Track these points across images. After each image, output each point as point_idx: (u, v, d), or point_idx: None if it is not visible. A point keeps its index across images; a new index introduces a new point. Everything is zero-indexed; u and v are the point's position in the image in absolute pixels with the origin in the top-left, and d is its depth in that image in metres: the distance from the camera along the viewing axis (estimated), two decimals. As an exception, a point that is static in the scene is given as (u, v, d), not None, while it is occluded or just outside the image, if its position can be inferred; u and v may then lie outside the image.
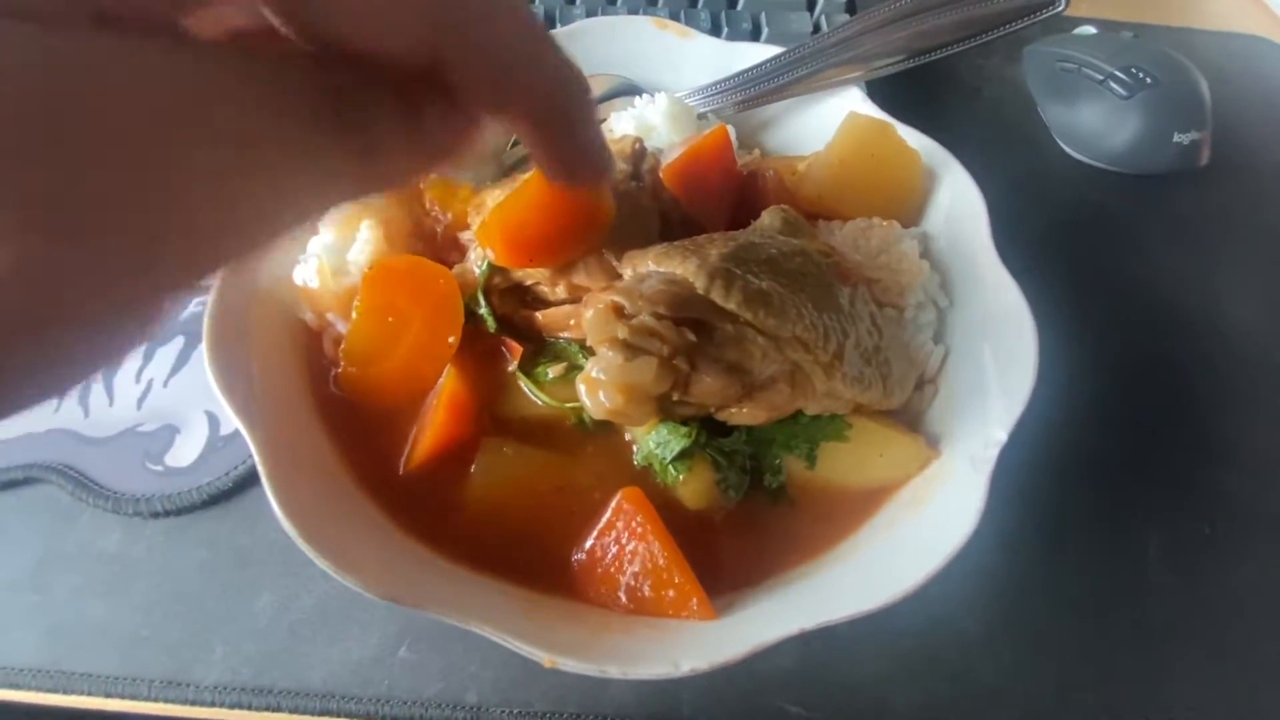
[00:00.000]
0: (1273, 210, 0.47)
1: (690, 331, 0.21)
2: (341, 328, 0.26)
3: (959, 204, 0.29)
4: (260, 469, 0.20)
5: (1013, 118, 0.51)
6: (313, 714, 0.29)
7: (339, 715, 0.29)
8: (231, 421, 0.23)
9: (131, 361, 0.36)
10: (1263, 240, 0.45)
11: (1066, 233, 0.44)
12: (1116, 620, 0.30)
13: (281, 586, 0.31)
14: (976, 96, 0.51)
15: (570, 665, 0.18)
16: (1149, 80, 0.45)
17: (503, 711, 0.27)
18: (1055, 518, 0.31)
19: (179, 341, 0.36)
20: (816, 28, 0.46)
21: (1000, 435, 0.22)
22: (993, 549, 0.26)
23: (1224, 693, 0.29)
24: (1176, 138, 0.46)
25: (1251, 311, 0.41)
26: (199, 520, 0.32)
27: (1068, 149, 0.48)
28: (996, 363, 0.25)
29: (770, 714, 0.27)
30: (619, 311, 0.22)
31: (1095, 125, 0.47)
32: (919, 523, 0.22)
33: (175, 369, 0.36)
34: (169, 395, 0.35)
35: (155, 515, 0.31)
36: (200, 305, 0.38)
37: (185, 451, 0.33)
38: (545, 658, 0.18)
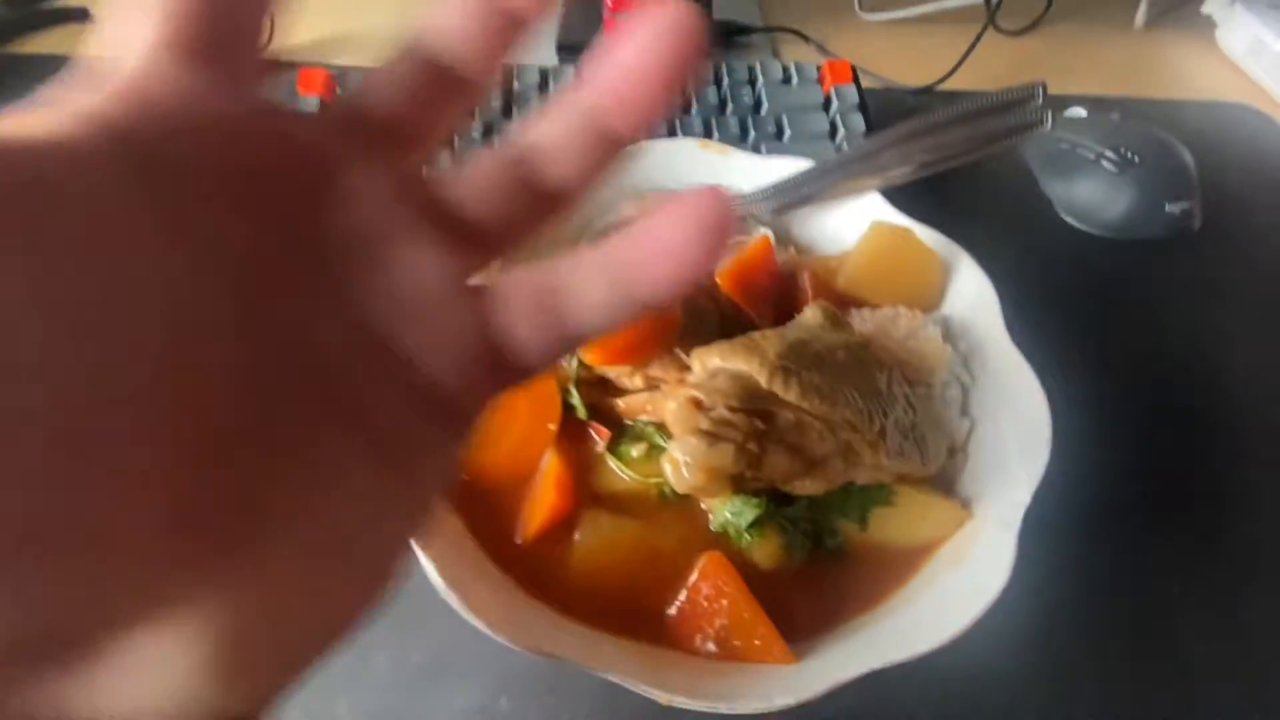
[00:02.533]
0: (1267, 266, 0.51)
1: (758, 420, 0.26)
2: (460, 421, 0.31)
3: (973, 293, 0.34)
4: (415, 545, 0.25)
5: (1016, 192, 0.56)
6: (429, 759, 0.32)
7: (452, 760, 0.32)
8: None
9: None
10: (1260, 296, 0.49)
11: (1074, 297, 0.48)
12: (1148, 660, 0.33)
13: (395, 645, 0.35)
14: (981, 174, 0.56)
15: (684, 703, 0.22)
16: (1136, 159, 0.50)
17: (594, 754, 0.31)
18: (1084, 566, 0.34)
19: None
20: (832, 127, 0.52)
21: (1024, 498, 0.26)
22: (1029, 598, 0.29)
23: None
24: (1168, 207, 0.50)
25: (1255, 366, 0.44)
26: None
27: (1069, 220, 0.53)
28: (1016, 432, 0.30)
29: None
30: (698, 405, 0.26)
31: (1093, 198, 0.52)
32: (960, 576, 0.26)
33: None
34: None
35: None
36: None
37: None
38: (664, 697, 0.22)
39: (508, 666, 0.32)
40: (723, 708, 0.22)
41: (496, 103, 0.52)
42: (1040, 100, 0.35)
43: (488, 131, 0.50)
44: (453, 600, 0.24)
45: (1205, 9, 0.71)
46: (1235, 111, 0.64)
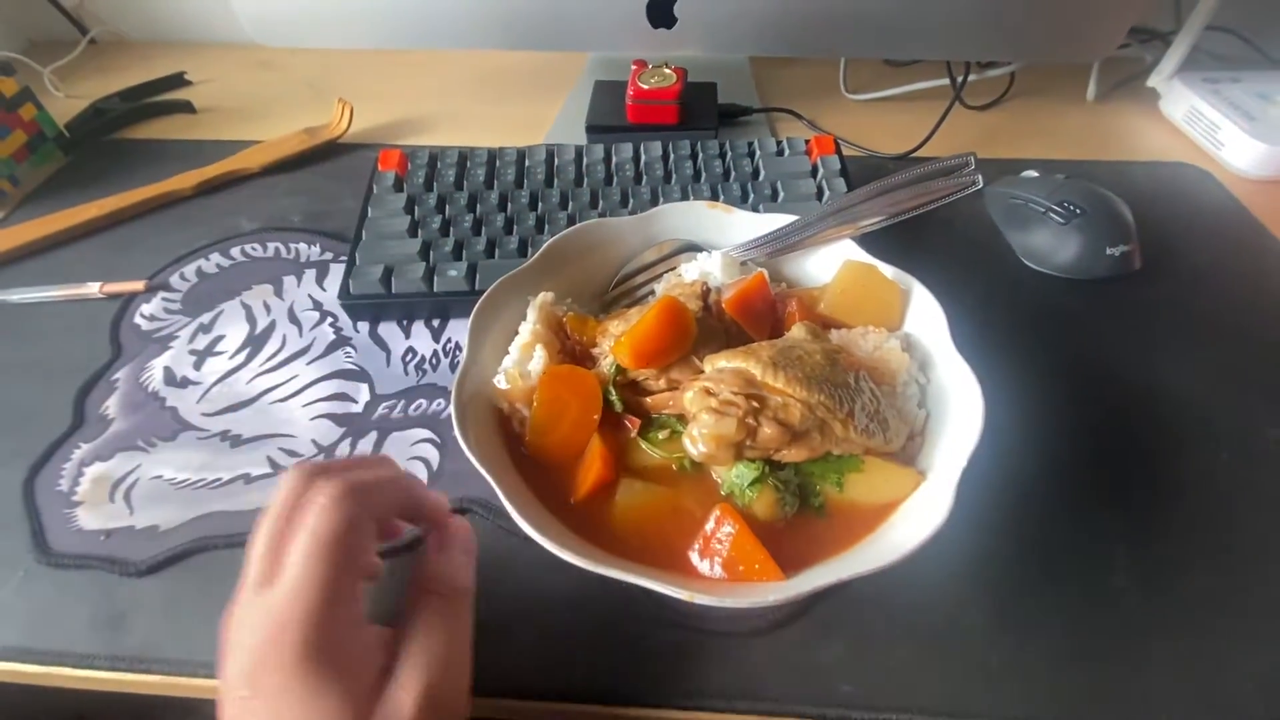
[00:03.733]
0: (1197, 301, 0.59)
1: (754, 401, 0.34)
2: (525, 413, 0.40)
3: (926, 314, 0.43)
4: (504, 498, 0.34)
5: (982, 240, 0.65)
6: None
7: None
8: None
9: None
10: (1189, 324, 0.57)
11: (1030, 324, 0.56)
12: (1091, 610, 0.39)
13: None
14: (951, 227, 0.66)
15: (703, 600, 0.30)
16: (1078, 211, 0.60)
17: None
18: (1007, 517, 0.42)
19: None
20: (820, 189, 0.62)
21: (962, 461, 0.34)
22: (965, 539, 0.35)
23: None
24: (1109, 251, 0.59)
25: (1182, 378, 0.52)
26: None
27: (1027, 262, 0.62)
28: (960, 418, 0.38)
29: (829, 690, 0.37)
30: (709, 391, 0.35)
31: (1046, 244, 0.61)
32: (911, 521, 0.34)
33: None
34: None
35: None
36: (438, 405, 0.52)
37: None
38: (687, 595, 0.30)
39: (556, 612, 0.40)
40: (729, 602, 0.30)
41: (511, 176, 0.61)
42: (972, 167, 0.45)
43: (503, 202, 0.60)
44: (534, 534, 0.32)
45: (1149, 83, 0.82)
46: (1177, 169, 0.73)
